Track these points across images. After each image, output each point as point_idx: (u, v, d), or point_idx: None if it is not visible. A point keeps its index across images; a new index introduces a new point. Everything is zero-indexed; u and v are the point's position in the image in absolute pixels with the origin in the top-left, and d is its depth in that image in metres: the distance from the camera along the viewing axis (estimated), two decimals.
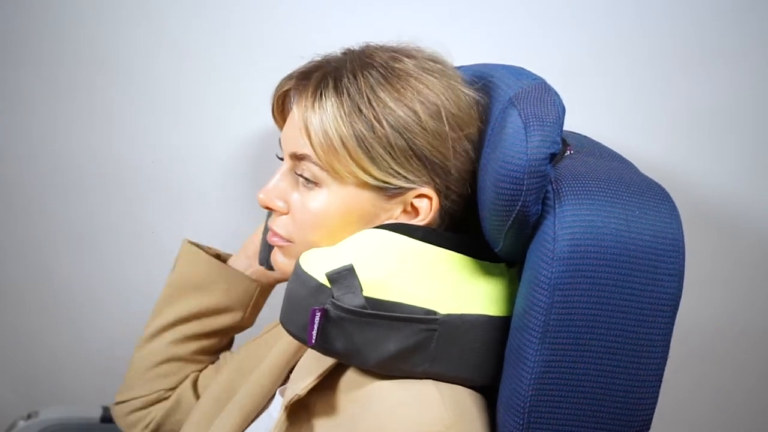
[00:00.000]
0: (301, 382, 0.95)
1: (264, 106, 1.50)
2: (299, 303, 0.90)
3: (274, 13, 1.47)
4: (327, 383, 0.95)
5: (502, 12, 1.46)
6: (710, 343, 1.58)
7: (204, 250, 1.24)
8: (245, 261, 1.23)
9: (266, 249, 1.13)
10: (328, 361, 0.95)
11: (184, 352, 1.20)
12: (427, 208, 0.95)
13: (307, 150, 0.93)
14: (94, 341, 1.67)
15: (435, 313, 0.89)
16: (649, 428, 0.87)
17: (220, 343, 1.23)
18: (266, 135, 1.53)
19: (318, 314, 0.87)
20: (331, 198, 0.94)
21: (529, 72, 0.95)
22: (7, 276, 1.63)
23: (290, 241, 0.97)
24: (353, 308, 0.87)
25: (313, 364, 0.96)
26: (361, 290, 0.88)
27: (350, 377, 0.95)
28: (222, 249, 1.31)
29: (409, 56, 0.96)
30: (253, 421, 1.07)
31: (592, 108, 1.36)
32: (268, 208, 0.99)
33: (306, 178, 0.95)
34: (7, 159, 1.56)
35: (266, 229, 1.13)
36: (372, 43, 0.99)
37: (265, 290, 1.23)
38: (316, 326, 0.88)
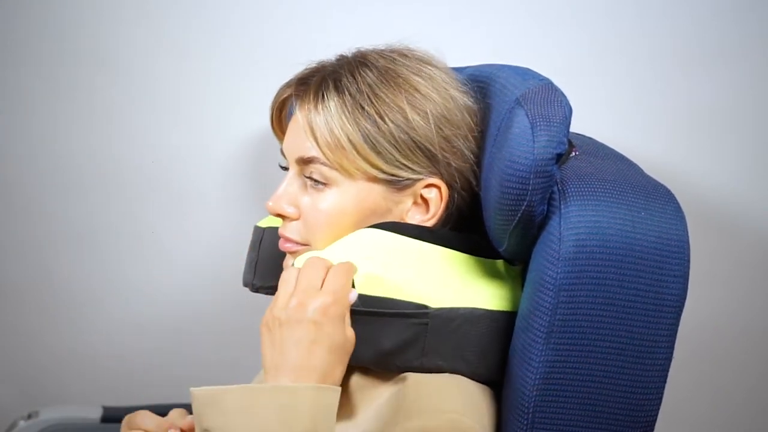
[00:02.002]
0: None
1: (264, 106, 1.50)
2: None
3: (274, 14, 1.47)
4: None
5: (502, 12, 1.46)
6: (710, 343, 1.58)
7: None
8: None
9: (251, 268, 1.12)
10: None
11: None
12: (436, 199, 0.96)
13: (314, 152, 0.95)
14: (94, 341, 1.66)
15: (426, 307, 0.90)
16: (653, 429, 0.87)
17: None
18: (266, 135, 1.51)
19: None
20: (342, 196, 0.95)
21: (536, 72, 0.95)
22: (7, 276, 1.63)
23: (305, 245, 0.98)
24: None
25: None
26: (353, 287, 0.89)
27: (358, 378, 0.95)
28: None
29: (401, 56, 0.98)
30: None
31: (592, 108, 1.36)
32: (278, 215, 0.99)
33: (315, 180, 0.96)
34: (7, 159, 1.55)
35: (253, 247, 1.13)
36: (363, 48, 1.01)
37: None
38: None
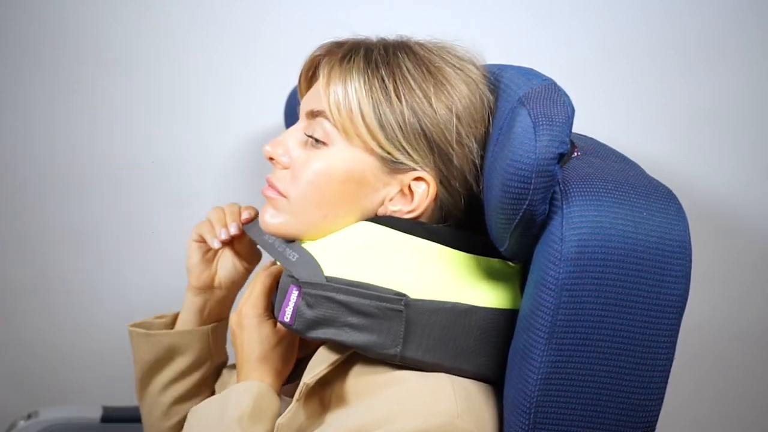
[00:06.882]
0: (311, 373, 0.96)
1: (264, 107, 1.51)
2: (283, 288, 0.94)
3: (275, 14, 1.47)
4: (338, 376, 0.96)
5: (504, 12, 1.46)
6: (710, 343, 1.58)
7: (149, 327, 1.18)
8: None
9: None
10: (334, 356, 0.96)
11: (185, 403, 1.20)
12: (423, 194, 0.96)
13: (323, 106, 0.95)
14: (94, 341, 1.67)
15: (404, 295, 0.90)
16: (654, 429, 0.87)
17: (210, 386, 1.21)
18: (266, 135, 1.53)
19: (295, 291, 0.91)
20: (335, 158, 0.96)
21: (539, 73, 0.95)
22: (7, 276, 1.63)
23: (284, 196, 0.99)
24: (322, 282, 0.91)
25: (323, 358, 0.97)
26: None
27: (360, 370, 0.95)
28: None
29: (442, 49, 0.99)
30: None
31: (592, 108, 1.36)
32: (271, 159, 1.00)
33: (315, 139, 0.97)
34: (7, 159, 1.56)
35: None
36: (406, 36, 1.02)
37: (219, 328, 1.20)
38: (291, 304, 0.91)
